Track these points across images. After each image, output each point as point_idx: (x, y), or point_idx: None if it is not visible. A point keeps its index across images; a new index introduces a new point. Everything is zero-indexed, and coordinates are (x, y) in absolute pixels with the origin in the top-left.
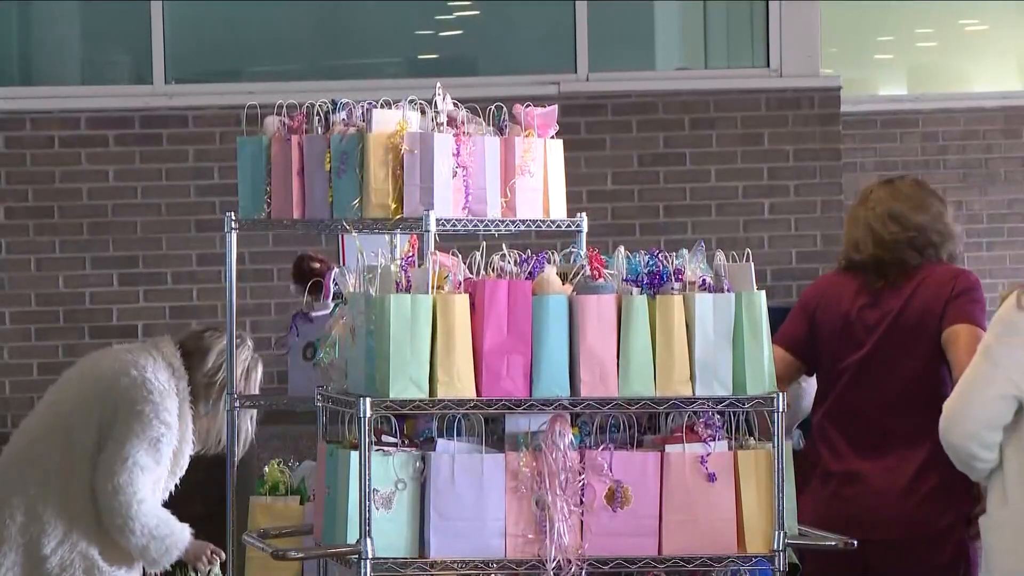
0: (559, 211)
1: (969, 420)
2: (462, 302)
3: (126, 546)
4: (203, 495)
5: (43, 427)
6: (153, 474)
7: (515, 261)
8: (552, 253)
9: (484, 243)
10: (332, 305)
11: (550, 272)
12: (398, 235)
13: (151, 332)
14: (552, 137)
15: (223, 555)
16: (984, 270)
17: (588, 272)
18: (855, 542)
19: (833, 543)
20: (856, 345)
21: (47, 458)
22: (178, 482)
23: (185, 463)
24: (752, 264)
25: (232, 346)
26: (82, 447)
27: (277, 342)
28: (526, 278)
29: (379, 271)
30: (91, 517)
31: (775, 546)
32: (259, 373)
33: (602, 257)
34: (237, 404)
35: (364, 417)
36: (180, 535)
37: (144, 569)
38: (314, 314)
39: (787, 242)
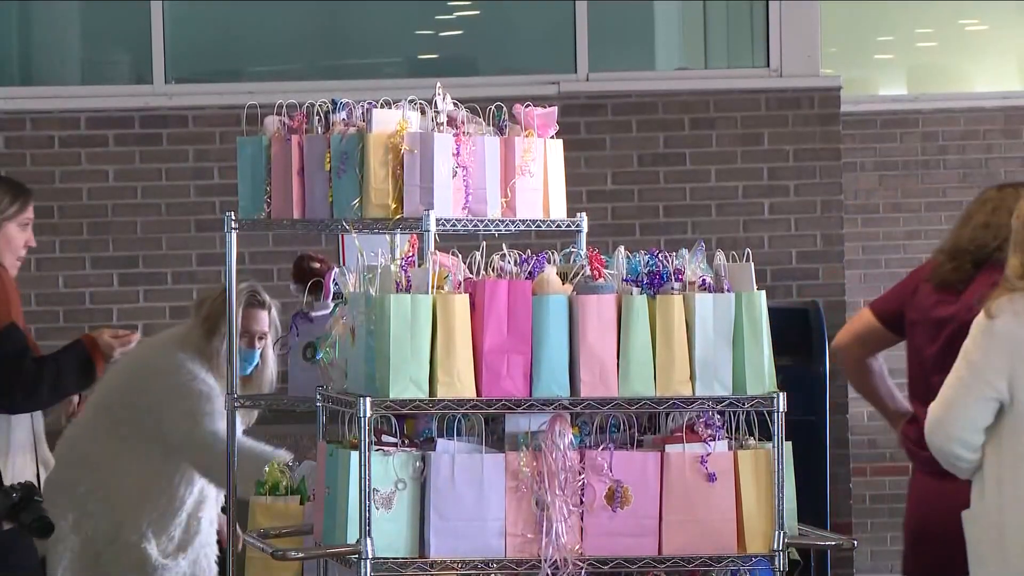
0: (559, 211)
1: (951, 424)
2: (462, 302)
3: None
4: None
5: (88, 425)
6: (222, 423)
7: (515, 261)
8: (552, 253)
9: (484, 243)
10: (332, 305)
11: (550, 272)
12: (398, 235)
13: (151, 332)
14: (552, 137)
15: None
16: None
17: (588, 272)
18: (855, 541)
19: (833, 542)
20: (932, 339)
21: (94, 455)
22: None
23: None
24: (752, 264)
25: (234, 342)
26: (128, 441)
27: (277, 342)
28: (526, 278)
29: (379, 271)
30: (140, 511)
31: (775, 546)
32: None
33: (602, 257)
34: (237, 404)
35: (364, 417)
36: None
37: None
38: (314, 314)
39: (787, 242)
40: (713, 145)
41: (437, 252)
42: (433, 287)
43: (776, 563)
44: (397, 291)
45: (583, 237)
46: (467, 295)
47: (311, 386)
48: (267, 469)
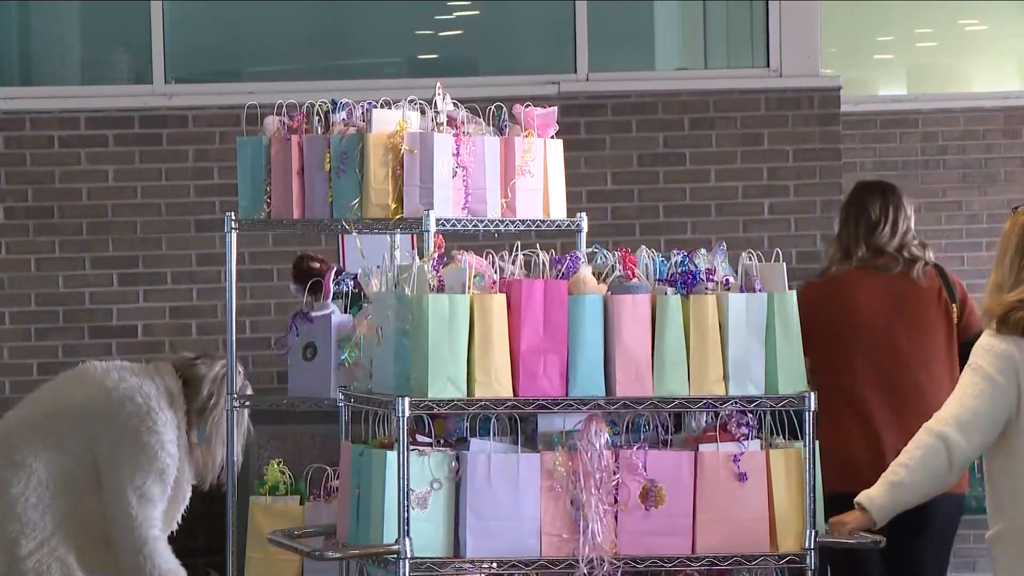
0: (559, 211)
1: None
2: (499, 302)
3: None
4: (203, 495)
5: (34, 428)
6: (161, 506)
7: (547, 260)
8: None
9: (518, 243)
10: (332, 305)
11: (586, 272)
12: (398, 235)
13: (151, 332)
14: (552, 137)
15: None
16: (984, 270)
17: (621, 272)
18: (883, 540)
19: (863, 542)
20: None
21: (34, 460)
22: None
23: (186, 497)
24: (783, 264)
25: (232, 359)
26: (72, 456)
27: (277, 342)
28: (559, 278)
29: (414, 271)
30: (75, 523)
31: (806, 544)
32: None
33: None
34: (236, 404)
35: (403, 416)
36: None
37: None
38: (314, 314)
39: (787, 242)
40: (713, 145)
41: (464, 252)
42: (469, 287)
43: (807, 562)
44: (430, 291)
45: (583, 237)
46: (504, 295)
47: (310, 386)
48: (267, 469)
